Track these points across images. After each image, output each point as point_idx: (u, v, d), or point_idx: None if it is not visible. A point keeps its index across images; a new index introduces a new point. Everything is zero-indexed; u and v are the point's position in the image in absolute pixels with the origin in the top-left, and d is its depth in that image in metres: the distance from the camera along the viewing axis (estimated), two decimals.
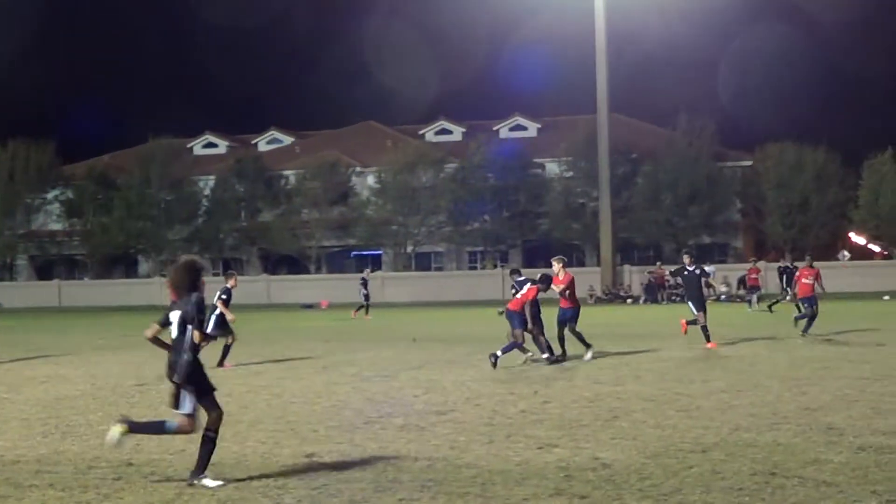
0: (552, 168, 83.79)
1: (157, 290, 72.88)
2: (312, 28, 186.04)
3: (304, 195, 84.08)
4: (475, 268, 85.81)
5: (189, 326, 10.36)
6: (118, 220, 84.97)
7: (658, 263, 69.28)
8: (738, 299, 62.48)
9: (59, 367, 24.01)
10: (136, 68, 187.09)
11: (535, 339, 22.71)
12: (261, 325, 25.05)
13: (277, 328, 23.97)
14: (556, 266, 23.58)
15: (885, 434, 12.16)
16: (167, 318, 10.57)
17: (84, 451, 12.37)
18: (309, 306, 67.15)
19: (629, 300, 64.95)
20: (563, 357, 22.60)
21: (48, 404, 16.85)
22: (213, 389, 10.49)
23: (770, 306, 39.84)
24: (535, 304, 22.99)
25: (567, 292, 23.26)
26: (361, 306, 48.13)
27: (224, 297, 23.81)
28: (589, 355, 22.78)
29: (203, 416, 10.41)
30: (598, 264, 69.50)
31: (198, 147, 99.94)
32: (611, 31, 65.02)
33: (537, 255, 77.46)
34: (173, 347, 10.44)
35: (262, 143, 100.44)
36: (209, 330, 23.23)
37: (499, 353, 21.64)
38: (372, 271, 60.64)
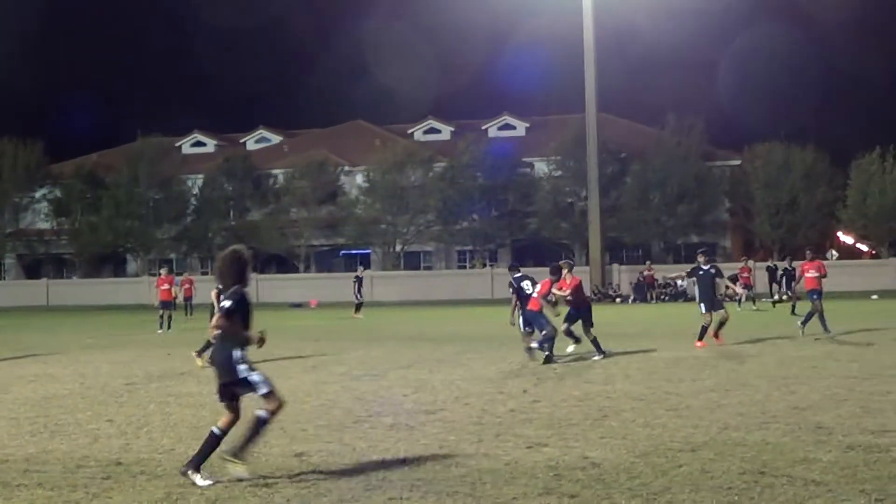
0: (541, 167, 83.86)
1: (145, 289, 72.72)
2: (301, 28, 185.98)
3: (293, 194, 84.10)
4: (464, 267, 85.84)
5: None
6: (106, 218, 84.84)
7: (648, 263, 69.38)
8: (728, 299, 62.56)
9: (48, 366, 23.96)
10: (124, 67, 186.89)
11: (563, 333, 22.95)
12: None
13: (266, 327, 23.97)
14: (563, 271, 23.67)
15: (874, 433, 12.18)
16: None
17: (73, 450, 12.35)
18: (298, 305, 67.11)
19: (618, 299, 64.99)
20: (604, 353, 22.64)
21: (37, 403, 16.82)
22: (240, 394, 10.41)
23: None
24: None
25: (573, 295, 23.40)
26: (359, 305, 48.36)
27: (220, 286, 23.71)
28: (571, 348, 23.29)
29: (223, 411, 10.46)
30: (587, 264, 69.47)
31: (186, 146, 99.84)
32: (599, 31, 65.08)
33: (526, 255, 77.58)
34: (218, 339, 10.38)
35: (251, 142, 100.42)
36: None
37: (533, 344, 22.07)
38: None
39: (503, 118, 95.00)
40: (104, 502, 9.68)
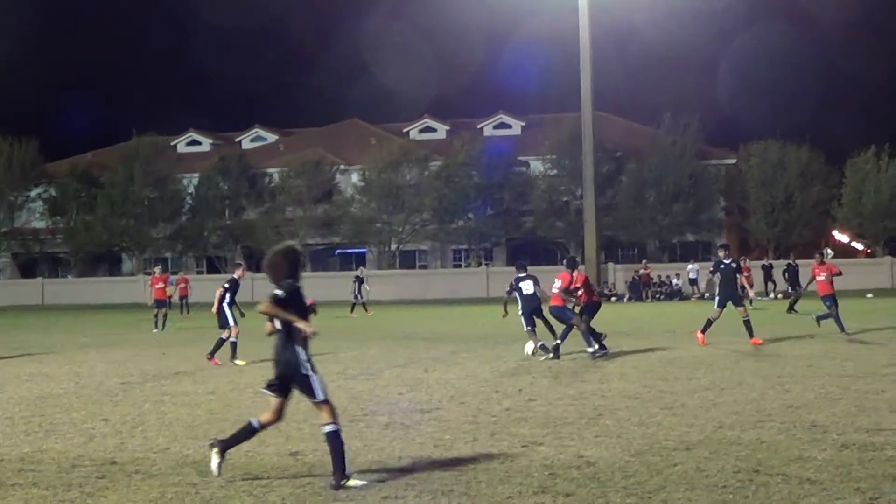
0: (536, 166, 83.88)
1: (140, 288, 72.63)
2: (297, 27, 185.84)
3: (289, 193, 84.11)
4: (460, 266, 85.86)
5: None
6: (102, 217, 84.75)
7: (644, 262, 69.47)
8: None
9: (43, 365, 23.95)
10: (119, 66, 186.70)
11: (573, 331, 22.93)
12: (244, 323, 24.97)
13: (261, 326, 23.96)
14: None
15: (869, 431, 12.19)
16: None
17: (68, 449, 12.34)
18: None
19: (613, 298, 65.01)
20: (603, 347, 22.75)
21: (31, 402, 16.81)
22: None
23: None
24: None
25: (584, 290, 23.48)
26: (362, 303, 48.63)
27: (226, 285, 23.84)
28: (530, 345, 23.26)
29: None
30: (583, 262, 69.51)
31: (182, 145, 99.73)
32: (595, 30, 65.03)
33: (522, 254, 77.60)
34: (279, 338, 10.27)
35: (246, 141, 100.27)
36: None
37: (590, 349, 22.13)
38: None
39: (499, 117, 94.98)
40: (99, 501, 9.67)
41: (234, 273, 24.62)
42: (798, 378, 17.66)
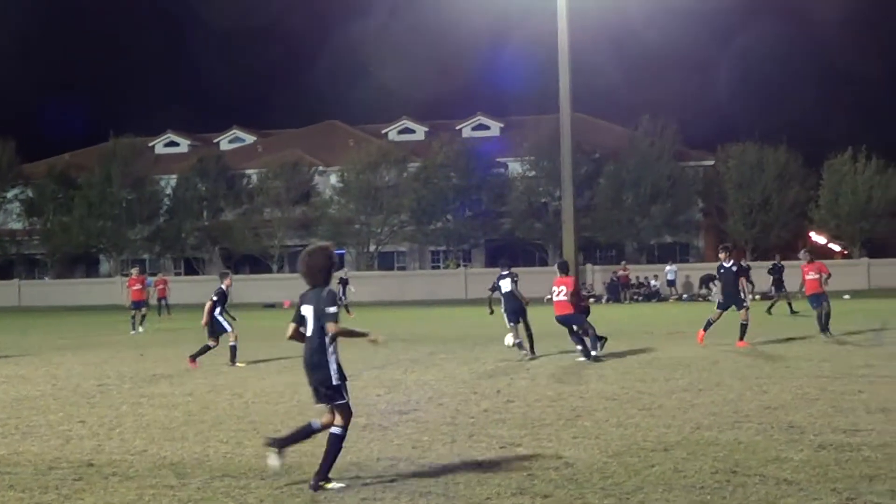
0: (515, 167, 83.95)
1: (117, 289, 72.50)
2: (275, 29, 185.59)
3: (267, 194, 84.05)
4: (438, 267, 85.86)
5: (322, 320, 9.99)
6: (79, 219, 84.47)
7: (623, 263, 69.64)
8: (701, 298, 62.90)
9: (20, 367, 23.84)
10: (97, 67, 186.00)
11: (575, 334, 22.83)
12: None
13: (239, 328, 23.92)
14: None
15: (845, 432, 12.24)
16: (299, 313, 10.16)
17: (44, 451, 12.28)
18: (271, 306, 66.95)
19: (592, 299, 65.05)
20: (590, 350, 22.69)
21: (8, 405, 16.73)
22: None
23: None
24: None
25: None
26: (345, 305, 48.63)
27: (215, 297, 23.73)
28: (510, 337, 23.20)
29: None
30: None
31: (159, 146, 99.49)
32: (574, 32, 65.04)
33: (500, 255, 77.58)
34: (309, 344, 10.11)
35: (224, 142, 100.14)
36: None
37: (593, 352, 22.02)
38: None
39: (477, 118, 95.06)
40: None
41: (221, 283, 24.46)
42: (775, 379, 17.72)
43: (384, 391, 17.42)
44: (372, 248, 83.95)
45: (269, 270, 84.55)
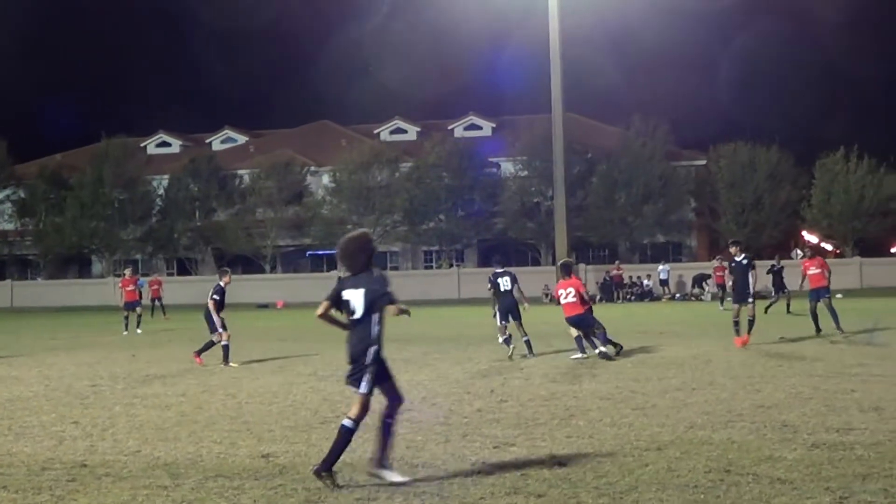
0: (507, 167, 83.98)
1: (110, 290, 72.39)
2: (267, 29, 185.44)
3: (259, 194, 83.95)
4: (430, 267, 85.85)
5: (376, 306, 10.05)
6: (71, 219, 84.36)
7: (616, 262, 69.65)
8: (693, 297, 62.98)
9: (12, 368, 23.79)
10: (89, 68, 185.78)
11: (585, 337, 22.78)
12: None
13: (232, 328, 23.97)
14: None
15: (838, 431, 12.26)
16: (338, 296, 10.17)
17: (37, 452, 12.27)
18: (264, 306, 66.95)
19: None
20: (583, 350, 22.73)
21: (0, 405, 16.70)
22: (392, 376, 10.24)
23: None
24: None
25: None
26: None
27: (216, 296, 23.74)
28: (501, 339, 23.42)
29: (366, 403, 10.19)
30: (554, 263, 69.54)
31: (151, 146, 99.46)
32: (565, 32, 65.12)
33: (492, 255, 77.56)
34: (355, 327, 10.11)
35: (216, 143, 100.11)
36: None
37: (602, 349, 22.01)
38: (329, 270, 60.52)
39: (469, 118, 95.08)
40: None
41: (220, 280, 24.47)
42: (768, 378, 17.74)
43: (377, 391, 17.37)
44: None
45: (262, 271, 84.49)
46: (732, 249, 25.83)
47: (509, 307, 23.75)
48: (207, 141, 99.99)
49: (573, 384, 17.75)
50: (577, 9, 67.34)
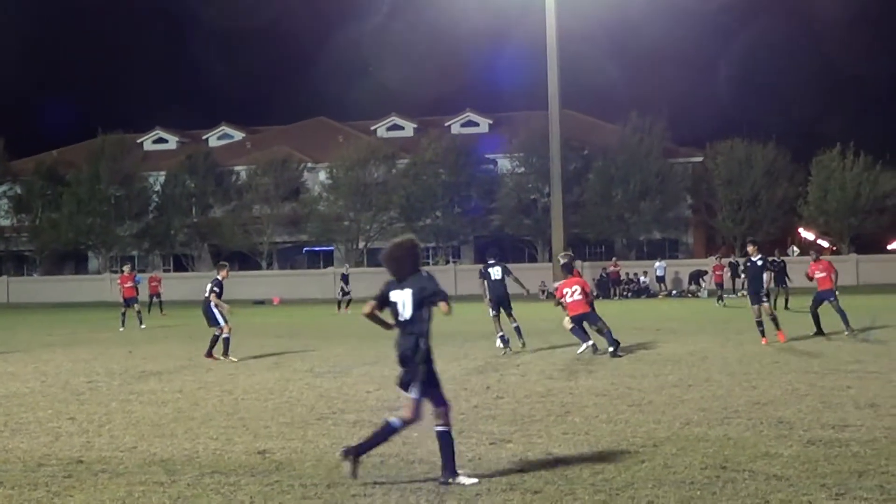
0: (504, 164, 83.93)
1: (106, 286, 72.38)
2: (264, 25, 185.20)
3: (256, 191, 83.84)
4: (427, 264, 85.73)
5: (425, 305, 10.10)
6: (67, 215, 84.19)
7: (613, 259, 69.60)
8: (690, 294, 63.01)
9: (8, 364, 23.79)
10: (84, 64, 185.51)
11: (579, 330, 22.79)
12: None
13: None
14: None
15: (834, 428, 12.27)
16: (386, 297, 10.20)
17: (33, 448, 12.27)
18: (261, 302, 66.92)
19: None
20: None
21: None
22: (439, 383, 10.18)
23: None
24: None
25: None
26: (347, 302, 48.72)
27: (217, 289, 23.78)
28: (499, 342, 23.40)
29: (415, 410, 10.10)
30: (550, 260, 69.54)
31: (148, 142, 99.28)
32: (562, 28, 65.12)
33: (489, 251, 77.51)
34: (404, 328, 10.15)
35: (213, 139, 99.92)
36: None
37: (610, 348, 21.89)
38: (325, 267, 60.47)
39: (466, 115, 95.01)
40: (65, 501, 9.62)
41: (217, 274, 24.53)
42: (764, 375, 17.75)
43: (374, 388, 17.41)
44: (361, 244, 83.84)
45: (259, 267, 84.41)
46: (750, 248, 25.70)
47: (500, 297, 23.80)
48: (204, 137, 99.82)
49: (569, 380, 17.76)
50: (573, 6, 67.29)
